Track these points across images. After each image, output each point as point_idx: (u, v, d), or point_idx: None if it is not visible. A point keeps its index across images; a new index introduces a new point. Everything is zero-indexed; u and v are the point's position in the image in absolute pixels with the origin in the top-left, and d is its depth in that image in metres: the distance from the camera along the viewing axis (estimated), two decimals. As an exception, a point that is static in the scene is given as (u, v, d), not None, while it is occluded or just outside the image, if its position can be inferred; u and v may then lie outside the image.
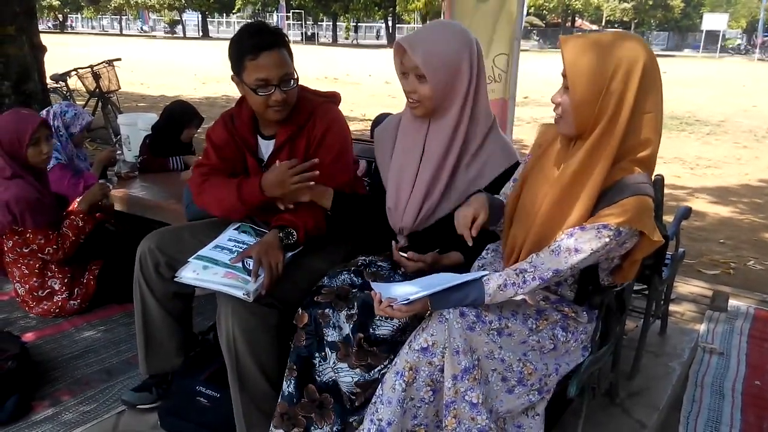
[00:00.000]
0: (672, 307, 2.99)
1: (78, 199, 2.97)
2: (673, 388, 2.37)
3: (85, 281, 2.97)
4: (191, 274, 1.87)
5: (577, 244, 1.51)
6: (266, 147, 2.14)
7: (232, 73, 2.02)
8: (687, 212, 2.68)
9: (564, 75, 1.53)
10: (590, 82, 1.47)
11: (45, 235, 2.79)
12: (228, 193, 2.05)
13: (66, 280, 2.93)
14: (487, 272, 1.60)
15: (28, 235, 2.78)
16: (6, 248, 2.87)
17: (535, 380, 1.59)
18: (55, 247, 2.81)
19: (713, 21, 40.86)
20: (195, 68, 20.20)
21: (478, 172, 1.94)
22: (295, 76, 2.00)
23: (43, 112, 3.27)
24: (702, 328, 3.05)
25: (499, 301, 1.57)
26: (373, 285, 1.66)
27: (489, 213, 1.70)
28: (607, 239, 1.49)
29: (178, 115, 3.62)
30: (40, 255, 2.83)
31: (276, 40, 1.96)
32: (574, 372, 1.69)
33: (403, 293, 1.59)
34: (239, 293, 1.78)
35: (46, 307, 2.91)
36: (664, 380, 2.40)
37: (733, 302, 3.34)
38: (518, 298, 1.60)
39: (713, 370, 2.67)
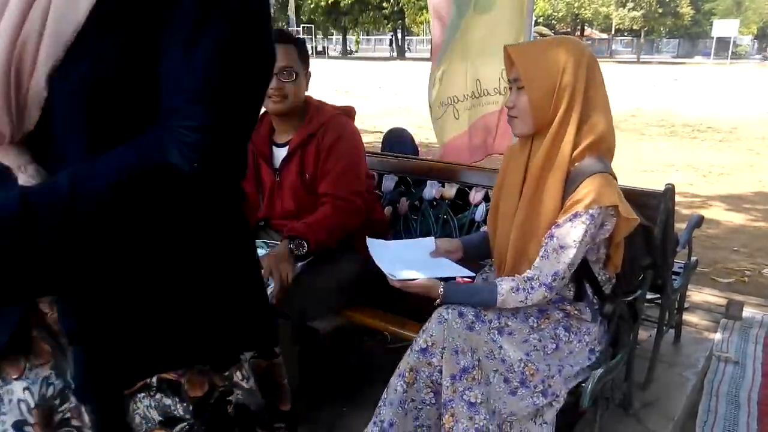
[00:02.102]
0: (686, 316, 2.97)
1: None
2: (687, 398, 2.36)
3: None
4: None
5: (561, 241, 1.59)
6: (279, 155, 2.20)
7: None
8: (699, 220, 2.67)
9: (514, 80, 1.67)
10: (544, 79, 1.61)
11: None
12: None
13: None
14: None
15: None
16: None
17: (538, 381, 1.61)
18: None
19: (724, 27, 40.70)
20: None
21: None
22: (299, 73, 2.10)
23: None
24: (716, 337, 3.02)
25: (509, 305, 1.62)
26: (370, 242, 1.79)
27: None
28: (584, 225, 1.57)
29: None
30: None
31: (284, 37, 2.09)
32: (585, 381, 1.69)
33: (403, 275, 1.71)
34: None
35: None
36: (679, 390, 2.38)
37: (747, 311, 3.30)
38: (528, 304, 1.63)
39: (728, 379, 2.64)
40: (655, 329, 2.40)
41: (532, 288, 1.61)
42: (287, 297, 1.87)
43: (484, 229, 2.02)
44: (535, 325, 1.67)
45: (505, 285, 1.62)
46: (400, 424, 1.61)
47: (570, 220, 1.58)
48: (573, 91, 1.61)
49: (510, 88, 1.72)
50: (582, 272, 1.71)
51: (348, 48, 53.32)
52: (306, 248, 1.96)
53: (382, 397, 1.65)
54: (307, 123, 2.15)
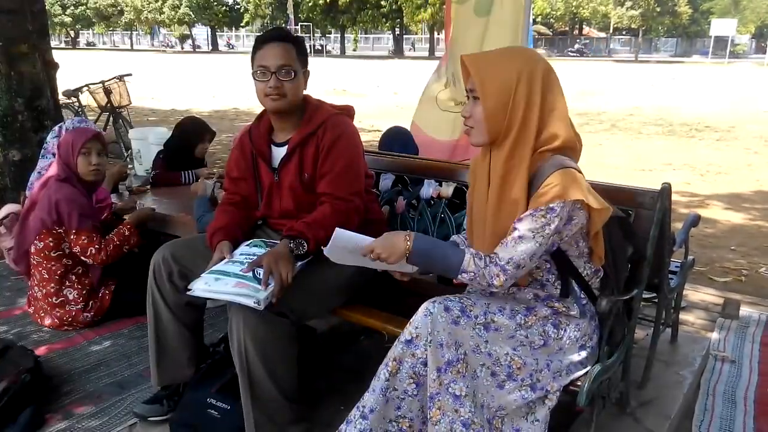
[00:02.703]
0: (683, 315, 2.97)
1: (127, 216, 3.09)
2: (684, 397, 2.36)
3: (100, 295, 3.01)
4: (203, 286, 1.88)
5: (520, 232, 1.61)
6: (278, 154, 2.20)
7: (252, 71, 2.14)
8: (696, 219, 2.67)
9: (470, 90, 1.68)
10: (499, 92, 1.62)
11: (89, 236, 2.88)
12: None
13: (84, 292, 2.97)
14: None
15: (72, 236, 2.87)
16: (34, 249, 2.93)
17: (526, 375, 1.62)
18: (97, 247, 2.88)
19: (721, 27, 40.72)
20: (205, 82, 20.38)
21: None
22: (298, 72, 2.10)
23: (56, 128, 3.33)
24: (713, 336, 3.02)
25: (475, 270, 1.63)
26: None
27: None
28: (544, 219, 1.59)
29: (190, 132, 3.66)
30: (82, 257, 2.90)
31: (282, 35, 2.11)
32: (581, 379, 1.69)
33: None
34: (250, 302, 1.79)
35: (58, 315, 2.94)
36: (676, 389, 2.38)
37: (744, 310, 3.31)
38: (483, 280, 1.64)
39: (725, 378, 2.65)
40: (652, 328, 2.40)
41: (489, 263, 1.63)
42: (286, 296, 1.87)
43: (453, 238, 2.00)
44: (523, 322, 1.67)
45: (473, 251, 1.67)
46: (380, 411, 1.65)
47: (531, 214, 1.60)
48: (529, 101, 1.61)
49: (467, 98, 1.72)
50: (566, 268, 1.73)
51: (345, 47, 53.25)
52: (306, 248, 1.96)
53: (370, 385, 1.70)
54: (306, 122, 2.15)
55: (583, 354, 1.73)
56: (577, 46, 50.82)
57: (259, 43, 2.09)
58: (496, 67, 1.63)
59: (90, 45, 62.22)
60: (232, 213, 2.23)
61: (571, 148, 1.69)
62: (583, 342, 1.74)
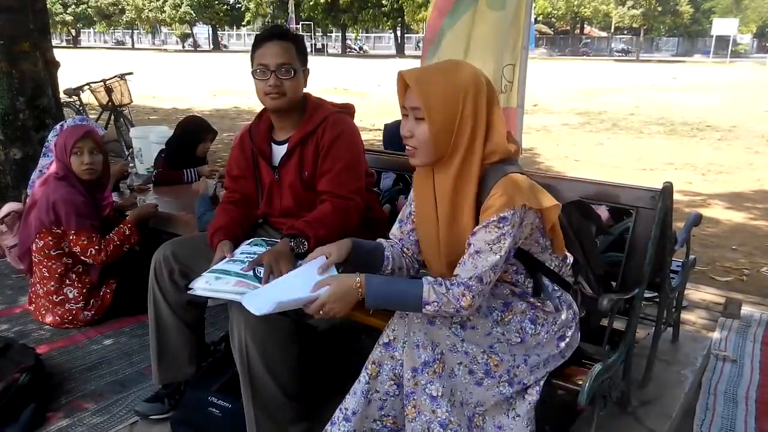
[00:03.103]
0: (684, 315, 2.97)
1: (128, 213, 3.08)
2: (685, 396, 2.36)
3: (101, 294, 3.01)
4: (203, 284, 1.88)
5: (477, 247, 1.57)
6: (279, 152, 2.20)
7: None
8: (697, 219, 2.67)
9: (412, 108, 1.59)
10: (446, 110, 1.57)
11: (88, 237, 2.87)
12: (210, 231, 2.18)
13: (84, 290, 2.97)
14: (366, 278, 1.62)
15: (71, 237, 2.86)
16: (35, 247, 2.93)
17: (503, 372, 1.62)
18: (97, 248, 2.88)
19: (723, 26, 40.68)
20: (206, 81, 20.39)
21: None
22: (298, 70, 2.09)
23: (57, 126, 3.33)
24: (715, 335, 3.02)
25: (432, 298, 1.55)
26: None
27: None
28: (498, 230, 1.55)
29: (192, 131, 3.66)
30: (82, 257, 2.90)
31: (281, 34, 2.10)
32: (582, 378, 1.69)
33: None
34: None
35: (59, 313, 2.94)
36: (677, 388, 2.38)
37: (746, 309, 3.31)
38: (450, 305, 1.56)
39: (726, 377, 2.65)
40: (653, 327, 2.39)
41: (451, 284, 1.57)
42: None
43: (380, 240, 1.91)
44: (499, 318, 1.66)
45: (429, 278, 1.61)
46: (363, 412, 1.68)
47: (484, 227, 1.56)
48: (476, 119, 1.58)
49: (405, 115, 1.64)
50: (533, 266, 1.72)
51: (346, 46, 53.20)
52: (306, 246, 1.96)
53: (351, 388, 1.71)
54: (307, 120, 2.15)
55: (562, 345, 1.73)
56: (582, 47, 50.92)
57: (259, 42, 2.09)
58: (442, 87, 1.57)
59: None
60: (232, 212, 2.23)
61: (515, 151, 1.67)
62: (561, 333, 1.74)
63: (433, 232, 1.72)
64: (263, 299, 1.60)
